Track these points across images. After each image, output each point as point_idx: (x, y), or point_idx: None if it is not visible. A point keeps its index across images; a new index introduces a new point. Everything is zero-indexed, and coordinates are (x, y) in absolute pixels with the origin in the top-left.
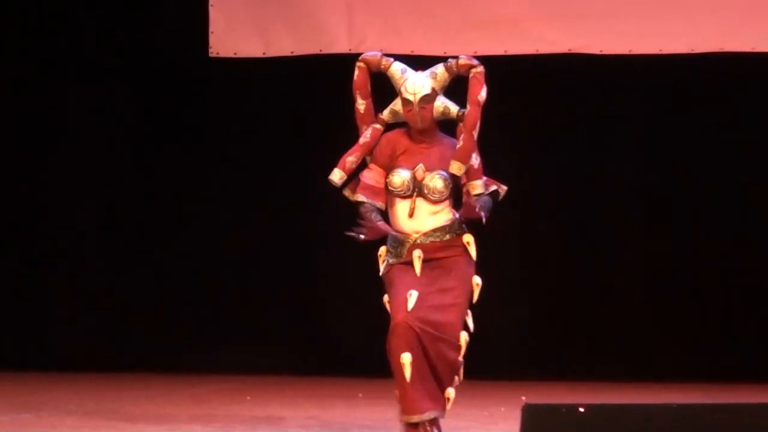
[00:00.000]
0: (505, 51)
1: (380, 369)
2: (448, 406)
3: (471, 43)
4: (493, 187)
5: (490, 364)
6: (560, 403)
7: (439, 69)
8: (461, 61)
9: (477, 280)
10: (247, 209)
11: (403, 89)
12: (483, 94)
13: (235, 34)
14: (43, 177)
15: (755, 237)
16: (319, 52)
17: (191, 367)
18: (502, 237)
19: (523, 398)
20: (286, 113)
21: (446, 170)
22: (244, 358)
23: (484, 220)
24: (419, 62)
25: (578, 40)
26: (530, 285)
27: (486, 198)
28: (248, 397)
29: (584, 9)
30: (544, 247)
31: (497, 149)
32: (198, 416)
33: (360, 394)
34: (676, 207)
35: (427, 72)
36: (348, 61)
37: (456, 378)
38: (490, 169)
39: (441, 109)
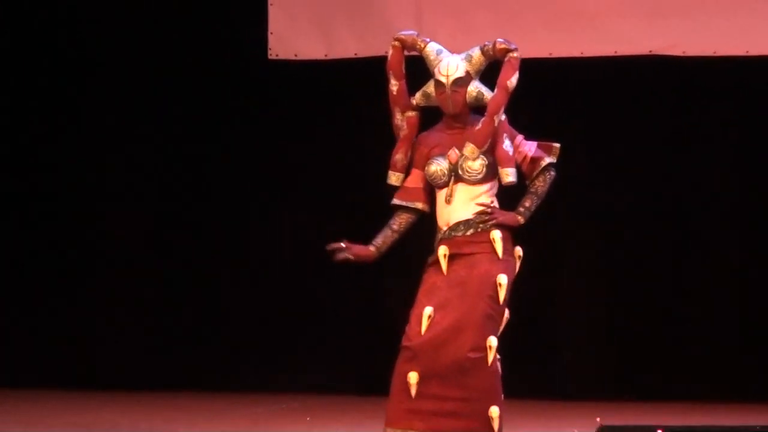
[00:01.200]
0: (582, 53)
1: None
2: (495, 425)
3: (546, 43)
4: (547, 159)
5: (563, 384)
6: (636, 425)
7: (475, 52)
8: (498, 45)
9: (501, 280)
10: (310, 219)
11: (436, 71)
12: (513, 80)
13: (295, 34)
14: (92, 183)
15: None
16: (385, 53)
17: (248, 386)
18: (578, 253)
19: (598, 419)
20: (349, 118)
21: (485, 152)
22: (304, 377)
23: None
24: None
25: (660, 40)
26: (607, 301)
27: (528, 205)
28: (308, 418)
29: (666, 7)
30: (622, 262)
31: (574, 154)
32: None
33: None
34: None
35: (463, 54)
36: (416, 63)
37: (493, 410)
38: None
39: (474, 94)
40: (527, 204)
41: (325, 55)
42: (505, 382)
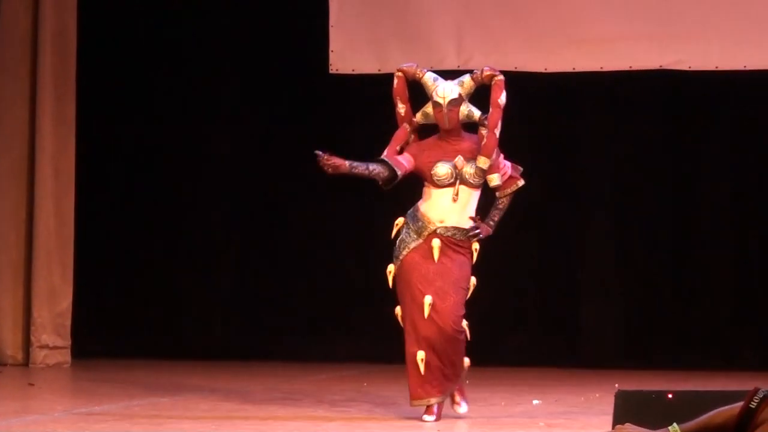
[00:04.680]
0: (601, 67)
1: (492, 356)
2: (463, 376)
3: (569, 60)
4: (520, 183)
5: (587, 355)
6: (650, 390)
7: (466, 78)
8: (485, 72)
9: (473, 281)
10: (368, 214)
11: (434, 94)
12: (503, 98)
13: (353, 52)
14: (179, 184)
15: None
16: (429, 68)
17: (312, 356)
18: (598, 237)
19: (617, 385)
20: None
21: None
22: (362, 348)
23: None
24: (521, 78)
25: (669, 56)
26: (624, 283)
27: (496, 215)
28: (365, 384)
29: (675, 29)
30: (636, 247)
31: (588, 154)
32: (321, 402)
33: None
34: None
35: (456, 81)
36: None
37: (465, 361)
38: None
39: (466, 113)
40: (496, 218)
41: (378, 70)
42: (535, 353)
